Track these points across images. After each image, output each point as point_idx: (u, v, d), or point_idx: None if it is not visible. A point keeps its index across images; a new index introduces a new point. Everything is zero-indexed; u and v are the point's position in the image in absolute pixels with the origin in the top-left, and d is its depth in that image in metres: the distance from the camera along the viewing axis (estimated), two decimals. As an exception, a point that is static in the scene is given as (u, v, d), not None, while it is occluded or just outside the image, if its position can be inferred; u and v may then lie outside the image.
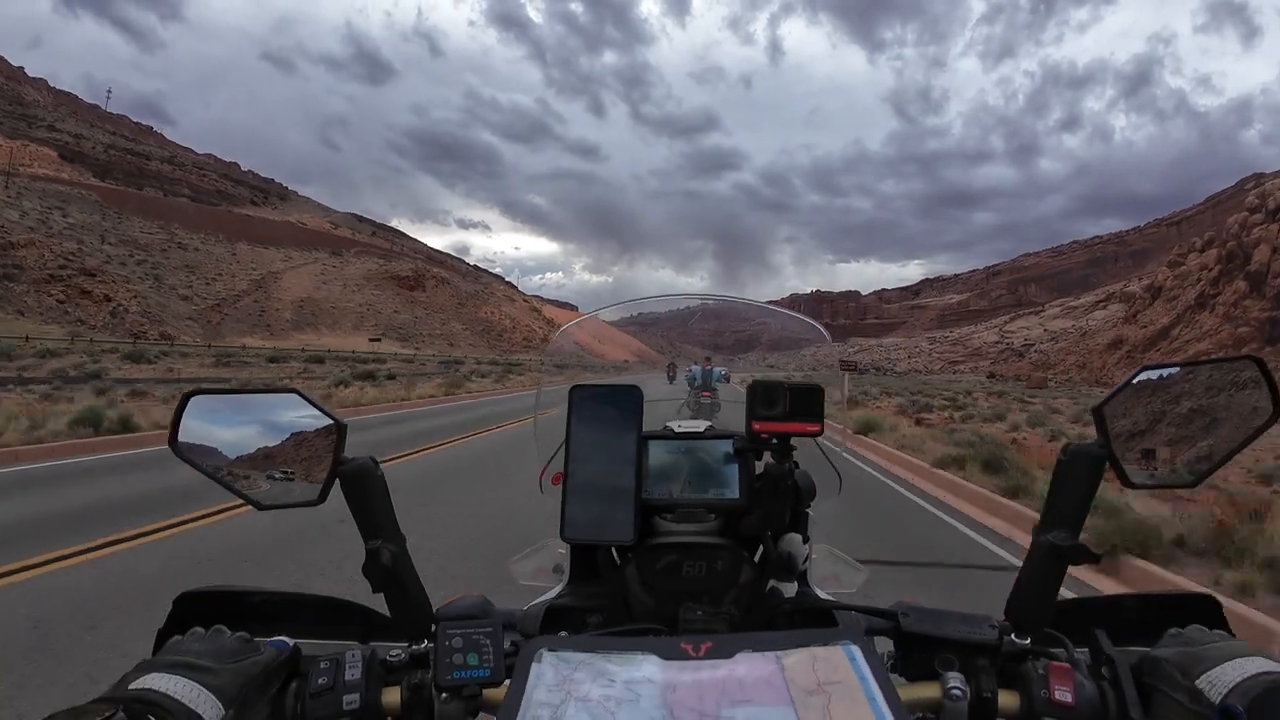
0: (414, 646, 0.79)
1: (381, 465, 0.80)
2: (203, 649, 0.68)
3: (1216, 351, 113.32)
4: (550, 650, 0.68)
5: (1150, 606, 0.87)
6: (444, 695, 0.74)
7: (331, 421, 0.81)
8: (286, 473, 0.82)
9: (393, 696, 0.75)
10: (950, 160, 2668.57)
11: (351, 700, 0.71)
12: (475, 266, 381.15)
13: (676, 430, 1.09)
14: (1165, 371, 0.81)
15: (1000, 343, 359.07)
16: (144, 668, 0.64)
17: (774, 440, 0.94)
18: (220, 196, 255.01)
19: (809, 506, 1.04)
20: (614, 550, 1.02)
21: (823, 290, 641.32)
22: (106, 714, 0.54)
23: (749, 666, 0.66)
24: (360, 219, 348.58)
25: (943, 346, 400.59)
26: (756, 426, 0.92)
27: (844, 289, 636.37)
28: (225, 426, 0.82)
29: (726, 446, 1.03)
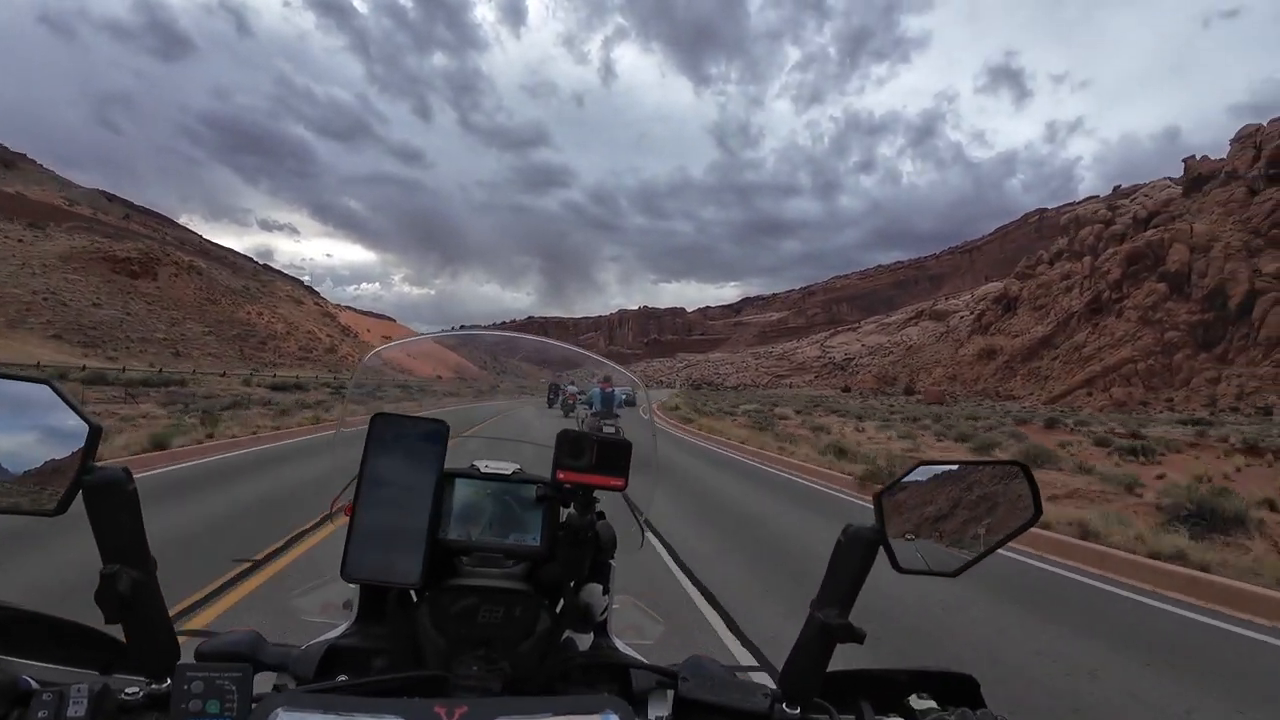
0: (154, 686, 0.71)
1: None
2: None
3: (1144, 358, 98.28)
4: (287, 708, 0.62)
5: (916, 681, 0.90)
6: None
7: (85, 424, 0.70)
8: (23, 474, 0.69)
9: None
10: (764, 192, 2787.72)
11: None
12: (266, 265, 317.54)
13: (483, 470, 1.03)
14: (942, 467, 0.87)
15: (822, 357, 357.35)
16: None
17: (578, 491, 0.92)
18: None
19: (612, 558, 1.02)
20: (411, 590, 0.95)
21: (649, 306, 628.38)
22: None
23: None
24: (111, 197, 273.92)
25: (768, 362, 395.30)
26: (561, 476, 0.90)
27: (669, 306, 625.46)
28: None
29: (533, 491, 1.00)
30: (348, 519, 0.93)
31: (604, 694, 0.78)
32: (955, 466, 0.88)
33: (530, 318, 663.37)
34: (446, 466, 0.96)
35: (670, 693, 0.87)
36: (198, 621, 4.34)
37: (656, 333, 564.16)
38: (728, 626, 4.88)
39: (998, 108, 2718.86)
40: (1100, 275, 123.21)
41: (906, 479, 0.86)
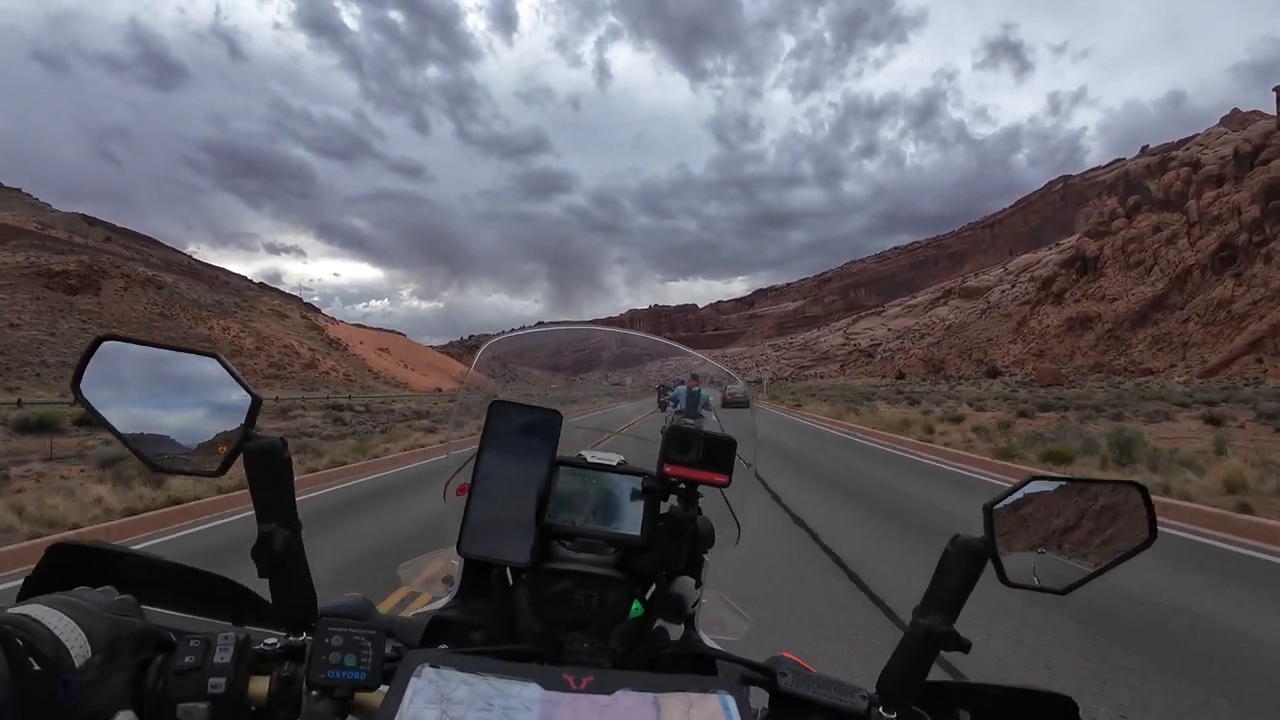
0: (291, 638, 0.75)
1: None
2: (88, 595, 0.66)
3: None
4: (432, 665, 0.65)
5: (1012, 698, 0.87)
6: (315, 693, 0.70)
7: (248, 395, 0.76)
8: (190, 438, 0.76)
9: (260, 687, 0.71)
10: (767, 184, 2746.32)
11: (217, 684, 0.67)
12: (261, 284, 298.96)
13: (590, 460, 1.05)
14: (1054, 483, 0.84)
15: (847, 345, 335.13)
16: (30, 600, 0.62)
17: (682, 485, 0.93)
18: None
19: (706, 552, 1.03)
20: (508, 570, 0.99)
21: (660, 305, 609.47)
22: None
23: (626, 705, 0.64)
24: (91, 221, 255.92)
25: (789, 353, 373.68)
26: (668, 469, 0.91)
27: (679, 303, 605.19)
28: (134, 379, 0.75)
29: (635, 483, 1.00)
30: (461, 499, 0.96)
31: (719, 676, 0.80)
32: (1067, 483, 0.85)
33: (540, 322, 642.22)
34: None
35: (752, 689, 0.86)
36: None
37: (669, 330, 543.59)
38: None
39: (998, 82, 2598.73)
40: (1214, 220, 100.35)
41: (1017, 493, 0.83)
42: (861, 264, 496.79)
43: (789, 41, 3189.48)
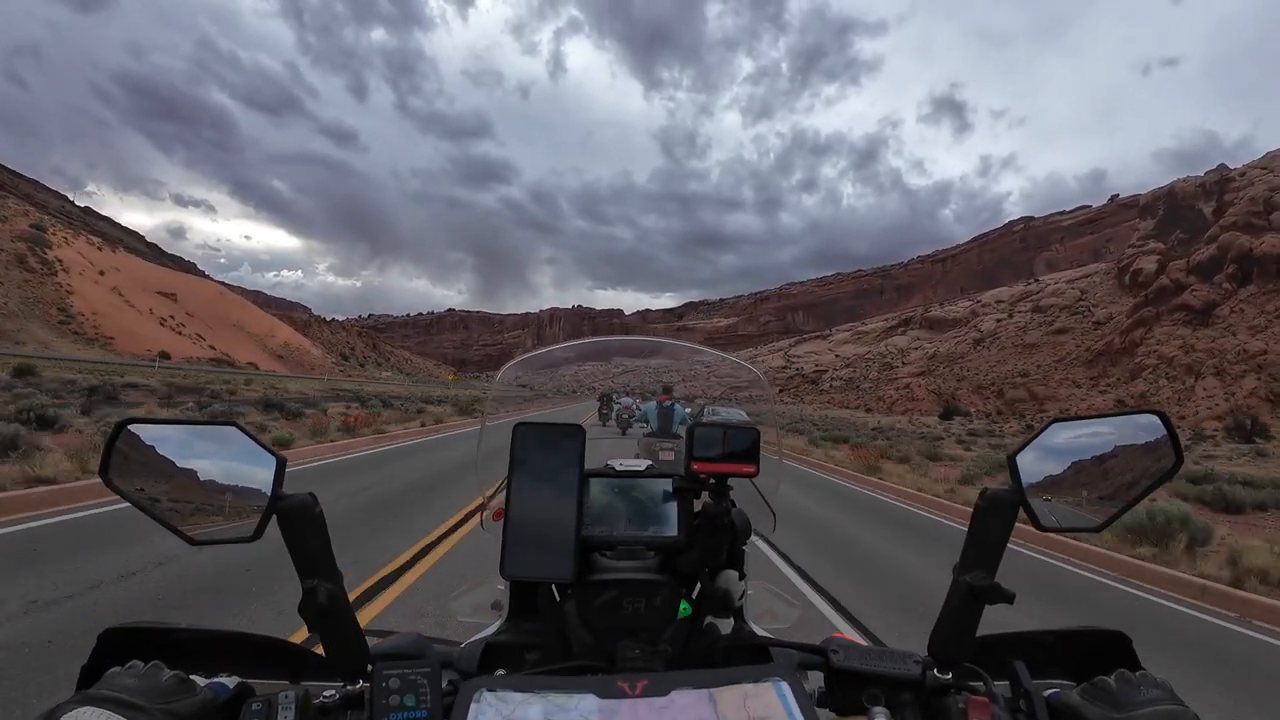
0: (348, 687, 0.74)
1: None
2: (137, 686, 0.62)
3: None
4: (489, 690, 0.65)
5: (1065, 642, 0.87)
6: None
7: (271, 456, 0.75)
8: (221, 507, 0.74)
9: None
10: (707, 203, 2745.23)
11: None
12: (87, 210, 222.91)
13: (618, 469, 1.06)
14: (1075, 424, 0.82)
15: (788, 368, 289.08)
16: (77, 700, 0.59)
17: (711, 480, 0.92)
18: None
19: (745, 544, 1.02)
20: (554, 587, 0.99)
21: (584, 306, 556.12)
22: None
23: (683, 704, 0.64)
24: None
25: (721, 370, 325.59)
26: (695, 467, 0.91)
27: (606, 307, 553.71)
28: (159, 458, 0.73)
29: (666, 485, 1.01)
30: (498, 524, 0.95)
31: (773, 664, 0.79)
32: (1088, 421, 0.82)
33: (450, 310, 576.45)
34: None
35: (812, 673, 0.86)
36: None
37: (591, 333, 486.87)
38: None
39: (938, 138, 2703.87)
40: None
41: (1039, 439, 0.81)
42: (802, 286, 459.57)
43: (747, 65, 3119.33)
